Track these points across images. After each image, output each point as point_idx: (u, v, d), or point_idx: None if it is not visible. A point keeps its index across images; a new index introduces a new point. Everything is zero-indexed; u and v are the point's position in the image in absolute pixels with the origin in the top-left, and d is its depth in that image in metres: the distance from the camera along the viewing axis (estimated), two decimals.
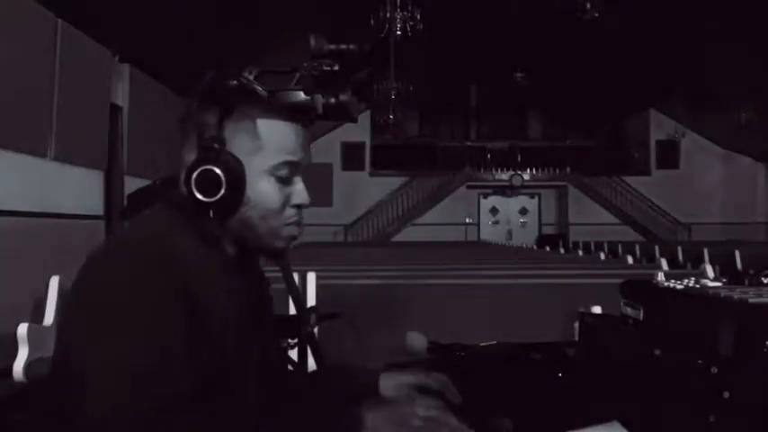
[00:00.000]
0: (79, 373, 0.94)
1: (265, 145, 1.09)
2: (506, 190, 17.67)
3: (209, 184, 1.05)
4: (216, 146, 1.06)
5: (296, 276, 2.28)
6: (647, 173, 17.47)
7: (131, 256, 1.00)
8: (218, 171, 1.04)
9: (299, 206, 1.14)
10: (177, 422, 0.91)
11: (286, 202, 1.12)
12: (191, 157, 1.08)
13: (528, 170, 17.40)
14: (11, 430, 2.28)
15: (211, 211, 1.05)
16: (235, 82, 1.09)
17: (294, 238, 1.15)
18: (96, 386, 0.92)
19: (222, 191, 1.04)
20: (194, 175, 1.05)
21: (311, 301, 3.03)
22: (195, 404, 0.94)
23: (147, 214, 1.12)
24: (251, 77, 1.09)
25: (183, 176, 1.08)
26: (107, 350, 0.93)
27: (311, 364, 1.26)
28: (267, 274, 1.29)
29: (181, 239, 1.05)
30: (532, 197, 18.27)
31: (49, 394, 1.05)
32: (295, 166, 1.12)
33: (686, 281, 1.21)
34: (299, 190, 1.13)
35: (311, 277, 3.09)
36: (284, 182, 1.11)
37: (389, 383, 1.27)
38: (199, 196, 1.05)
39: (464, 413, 1.19)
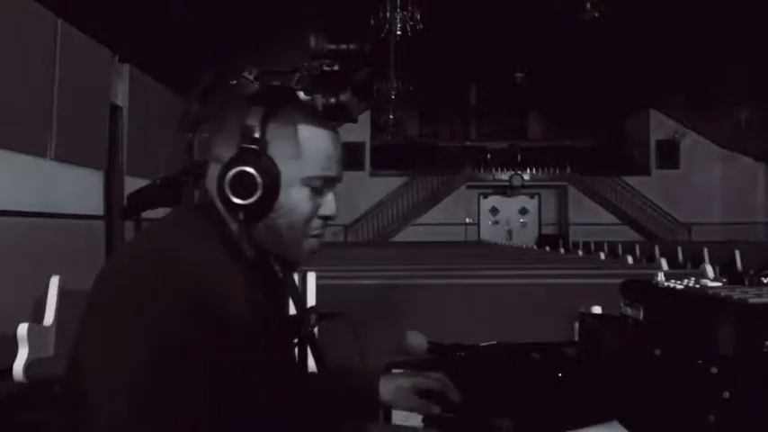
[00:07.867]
0: (91, 388, 0.90)
1: (305, 153, 1.05)
2: (506, 190, 17.67)
3: (243, 185, 1.00)
4: (256, 147, 1.02)
5: (296, 276, 2.28)
6: (647, 173, 17.47)
7: (155, 269, 0.94)
8: (255, 173, 1.00)
9: (326, 218, 1.10)
10: None
11: (314, 213, 1.09)
12: (226, 154, 1.03)
13: (528, 170, 17.40)
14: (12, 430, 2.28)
15: (241, 214, 1.02)
16: (280, 84, 1.06)
17: (314, 252, 1.12)
18: (106, 404, 0.88)
19: (257, 194, 1.00)
20: (229, 174, 1.01)
21: (311, 301, 3.03)
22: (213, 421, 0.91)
23: (168, 219, 1.08)
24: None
25: (214, 173, 1.04)
26: (128, 366, 0.89)
27: (311, 364, 1.26)
28: None
29: (203, 248, 0.99)
30: (532, 197, 18.27)
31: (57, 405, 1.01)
32: (330, 182, 1.09)
33: (686, 281, 1.21)
34: (329, 201, 1.10)
35: (311, 277, 3.10)
36: (317, 192, 1.08)
37: (389, 387, 1.27)
38: (231, 197, 1.01)
39: (464, 413, 1.19)
